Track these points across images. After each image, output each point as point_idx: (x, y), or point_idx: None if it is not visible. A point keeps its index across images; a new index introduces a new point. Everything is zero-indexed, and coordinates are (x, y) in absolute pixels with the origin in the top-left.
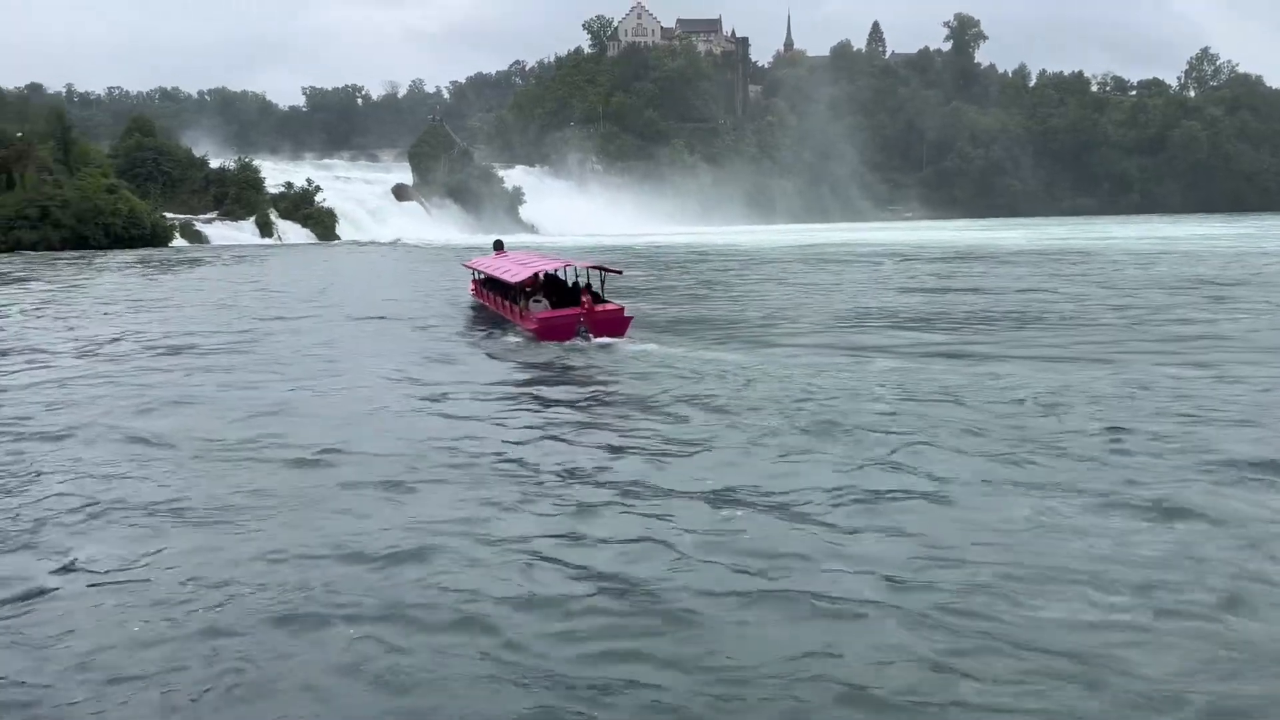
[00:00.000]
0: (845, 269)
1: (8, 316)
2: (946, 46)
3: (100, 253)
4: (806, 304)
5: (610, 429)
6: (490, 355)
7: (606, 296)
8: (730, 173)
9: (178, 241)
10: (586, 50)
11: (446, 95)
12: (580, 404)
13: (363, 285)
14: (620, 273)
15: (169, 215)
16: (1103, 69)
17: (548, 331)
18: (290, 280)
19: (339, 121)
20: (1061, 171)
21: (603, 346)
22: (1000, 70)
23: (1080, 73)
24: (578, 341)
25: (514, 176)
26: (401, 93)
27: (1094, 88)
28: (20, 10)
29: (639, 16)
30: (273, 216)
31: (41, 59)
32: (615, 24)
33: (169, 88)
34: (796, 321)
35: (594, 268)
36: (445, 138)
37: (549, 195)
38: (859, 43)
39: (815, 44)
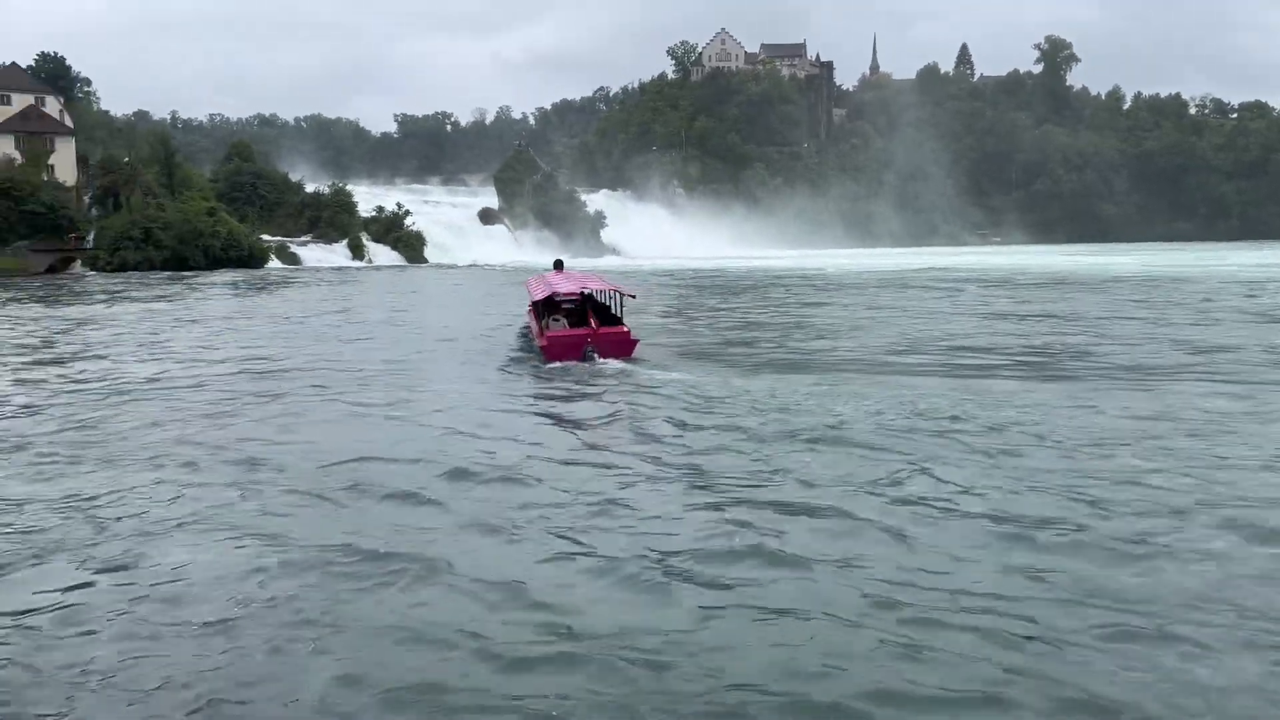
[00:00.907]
0: (926, 295)
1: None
2: (1037, 69)
3: (200, 273)
4: (872, 330)
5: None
6: (483, 381)
7: (621, 316)
8: (813, 197)
9: (273, 263)
10: (671, 76)
11: (532, 121)
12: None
13: (434, 307)
14: (634, 296)
15: (265, 237)
16: (1201, 91)
17: (556, 351)
18: (372, 302)
19: (429, 147)
20: (1156, 196)
21: (621, 371)
22: (1093, 93)
23: (1178, 95)
24: (586, 362)
25: (597, 200)
26: (489, 119)
27: (1192, 110)
28: (128, 42)
29: (723, 42)
30: (364, 239)
31: (148, 88)
32: (699, 50)
33: (268, 114)
34: (849, 347)
35: (611, 290)
36: (530, 163)
37: (631, 219)
38: (946, 65)
39: (901, 67)
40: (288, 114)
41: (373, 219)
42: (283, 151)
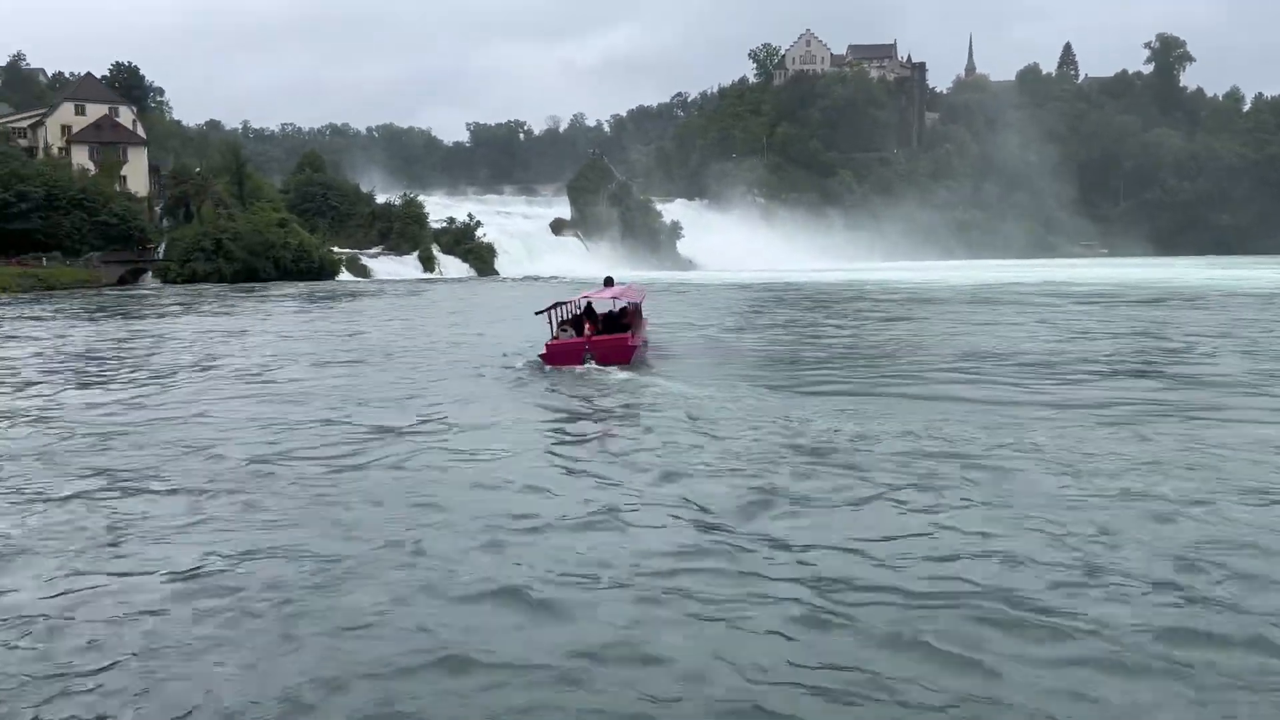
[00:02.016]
0: (1020, 311)
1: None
2: (1147, 69)
3: (270, 285)
4: (940, 347)
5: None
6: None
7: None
8: (902, 205)
9: (344, 275)
10: (752, 80)
11: (607, 128)
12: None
13: (484, 322)
14: (638, 306)
15: (336, 249)
16: None
17: (554, 357)
18: (439, 315)
19: (501, 156)
20: None
21: (622, 380)
22: (1209, 94)
23: None
24: (583, 367)
25: (673, 210)
26: (563, 127)
27: None
28: (201, 51)
29: (808, 44)
30: (435, 251)
31: (221, 98)
32: (783, 52)
33: (339, 124)
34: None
35: (637, 301)
36: (604, 171)
37: (709, 230)
38: (1048, 66)
39: (999, 69)
40: (359, 124)
41: (444, 230)
42: (354, 162)
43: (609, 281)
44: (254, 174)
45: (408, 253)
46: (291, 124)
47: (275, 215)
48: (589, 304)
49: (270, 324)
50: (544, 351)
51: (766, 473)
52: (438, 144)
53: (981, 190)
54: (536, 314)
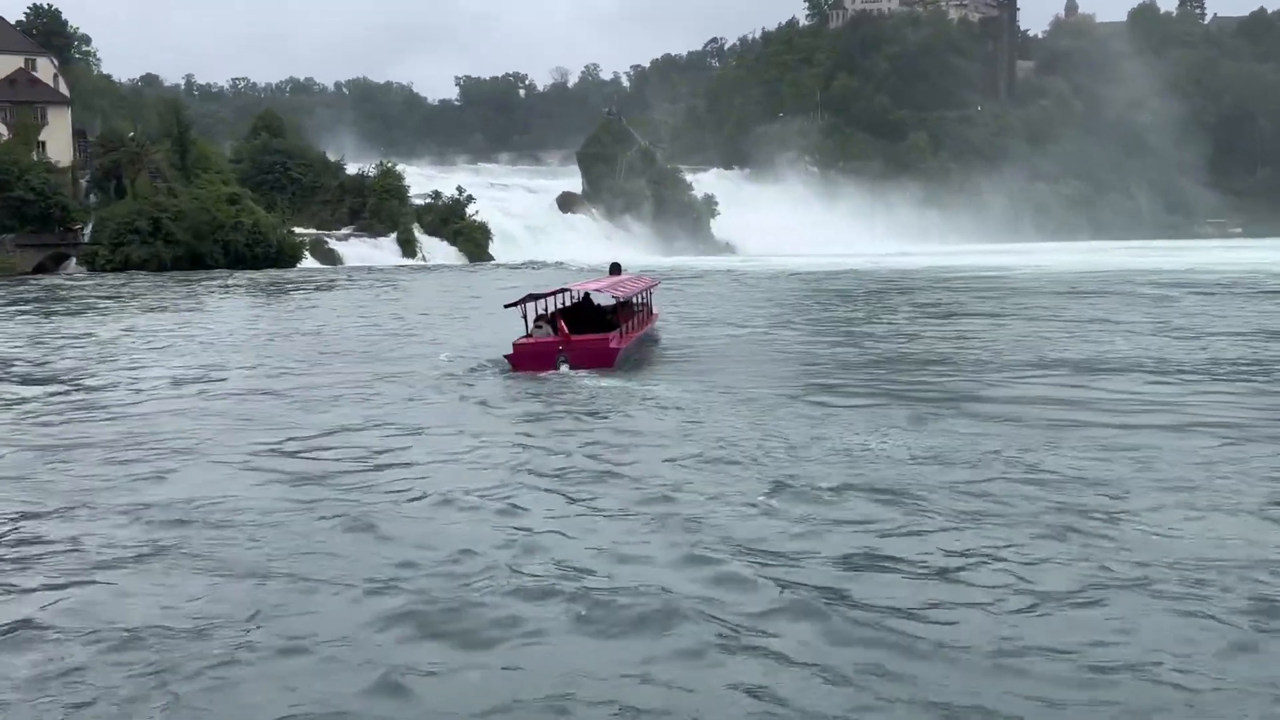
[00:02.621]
0: (1139, 306)
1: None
2: None
3: (219, 273)
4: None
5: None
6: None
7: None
8: (988, 174)
9: (307, 262)
10: (803, 22)
11: (626, 83)
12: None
13: (459, 320)
14: (645, 299)
15: (298, 230)
16: None
17: (521, 360)
18: (408, 312)
19: (497, 117)
20: None
21: (598, 387)
22: None
23: None
24: (559, 372)
25: (706, 182)
26: (572, 81)
27: None
28: None
29: None
30: (416, 232)
31: (160, 48)
32: None
33: (301, 79)
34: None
35: (645, 290)
36: (623, 135)
37: (750, 205)
38: (1167, 4)
39: (1108, 7)
40: (325, 78)
41: (428, 207)
42: (320, 125)
43: (615, 269)
44: (199, 140)
45: (384, 234)
46: (244, 79)
47: (225, 189)
48: (581, 295)
49: (213, 322)
50: (510, 353)
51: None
52: (420, 103)
53: (1086, 156)
54: (507, 307)
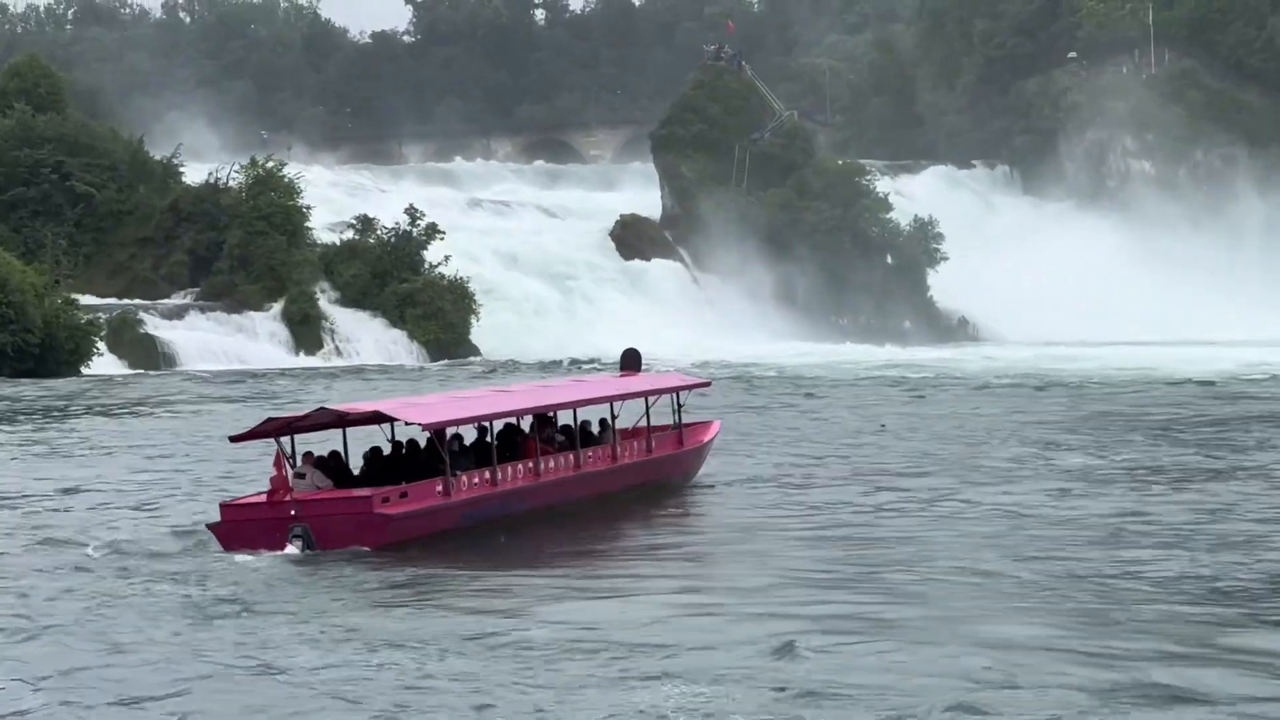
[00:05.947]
0: None
1: None
2: None
3: None
4: None
5: None
6: None
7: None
8: None
9: (104, 362)
10: None
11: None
12: None
13: None
14: (540, 429)
15: (88, 300)
16: None
17: (232, 534)
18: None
19: (487, 67)
20: None
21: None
22: None
23: None
24: (289, 553)
25: (914, 192)
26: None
27: None
28: None
29: None
30: (323, 301)
31: None
32: None
33: None
34: None
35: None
36: (746, 99)
37: (1019, 238)
38: None
39: None
40: None
41: (348, 248)
42: (134, 85)
43: (630, 359)
44: None
45: (259, 306)
46: None
47: None
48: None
49: None
50: (215, 521)
51: None
52: (337, 40)
53: None
54: (233, 440)
